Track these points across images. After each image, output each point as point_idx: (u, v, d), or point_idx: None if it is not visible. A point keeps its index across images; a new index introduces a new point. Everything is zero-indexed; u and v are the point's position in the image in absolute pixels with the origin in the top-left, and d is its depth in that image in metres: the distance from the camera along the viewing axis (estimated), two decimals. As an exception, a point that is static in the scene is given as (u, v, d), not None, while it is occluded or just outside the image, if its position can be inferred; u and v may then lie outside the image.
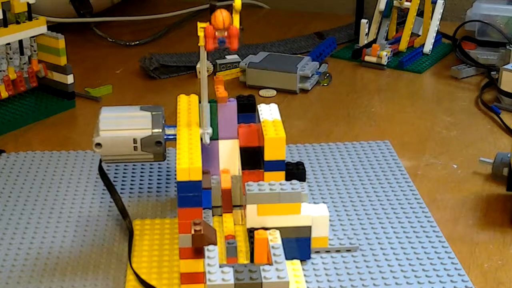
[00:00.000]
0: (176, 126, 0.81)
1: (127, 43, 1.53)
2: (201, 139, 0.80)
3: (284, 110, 0.89)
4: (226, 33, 0.73)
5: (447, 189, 0.97)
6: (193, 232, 0.69)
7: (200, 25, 0.74)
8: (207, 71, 1.36)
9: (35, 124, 1.16)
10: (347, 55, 1.45)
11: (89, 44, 1.53)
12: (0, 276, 0.78)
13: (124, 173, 1.00)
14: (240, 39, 0.96)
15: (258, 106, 0.87)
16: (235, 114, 0.87)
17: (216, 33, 0.73)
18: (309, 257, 0.80)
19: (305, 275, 0.78)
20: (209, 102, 0.85)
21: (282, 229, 0.72)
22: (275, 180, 0.79)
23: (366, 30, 1.44)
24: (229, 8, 0.74)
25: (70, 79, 1.19)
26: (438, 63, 1.43)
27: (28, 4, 1.15)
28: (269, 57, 1.34)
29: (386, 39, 1.46)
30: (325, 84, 1.32)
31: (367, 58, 1.40)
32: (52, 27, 1.31)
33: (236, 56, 1.37)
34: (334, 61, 1.43)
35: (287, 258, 0.68)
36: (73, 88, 1.21)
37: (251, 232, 0.76)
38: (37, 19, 1.17)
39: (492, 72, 1.32)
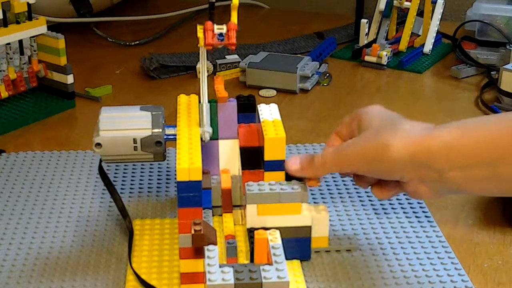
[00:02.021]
0: (176, 126, 0.81)
1: (127, 43, 1.53)
2: (201, 139, 0.80)
3: (284, 110, 0.88)
4: (225, 29, 0.73)
5: (447, 189, 0.97)
6: (193, 232, 0.69)
7: (199, 27, 0.74)
8: (207, 71, 1.36)
9: (35, 124, 1.16)
10: (347, 55, 1.45)
11: (89, 44, 1.53)
12: (0, 276, 0.79)
13: (124, 173, 1.00)
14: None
15: (258, 106, 0.87)
16: (235, 114, 0.87)
17: (215, 29, 0.73)
18: (309, 257, 0.80)
19: (305, 275, 0.78)
20: (209, 102, 0.85)
21: (282, 229, 0.72)
22: (275, 180, 0.79)
23: (366, 30, 1.44)
24: (228, 8, 0.74)
25: (70, 79, 1.19)
26: (438, 63, 1.43)
27: (28, 4, 1.14)
28: (269, 57, 1.34)
29: (386, 39, 1.46)
30: (325, 84, 1.32)
31: (367, 58, 1.40)
32: (52, 27, 1.31)
33: (236, 56, 1.37)
34: (334, 61, 1.43)
35: (287, 258, 0.68)
36: (73, 88, 1.20)
37: (251, 232, 0.76)
38: (37, 19, 1.17)
39: (492, 72, 1.32)
